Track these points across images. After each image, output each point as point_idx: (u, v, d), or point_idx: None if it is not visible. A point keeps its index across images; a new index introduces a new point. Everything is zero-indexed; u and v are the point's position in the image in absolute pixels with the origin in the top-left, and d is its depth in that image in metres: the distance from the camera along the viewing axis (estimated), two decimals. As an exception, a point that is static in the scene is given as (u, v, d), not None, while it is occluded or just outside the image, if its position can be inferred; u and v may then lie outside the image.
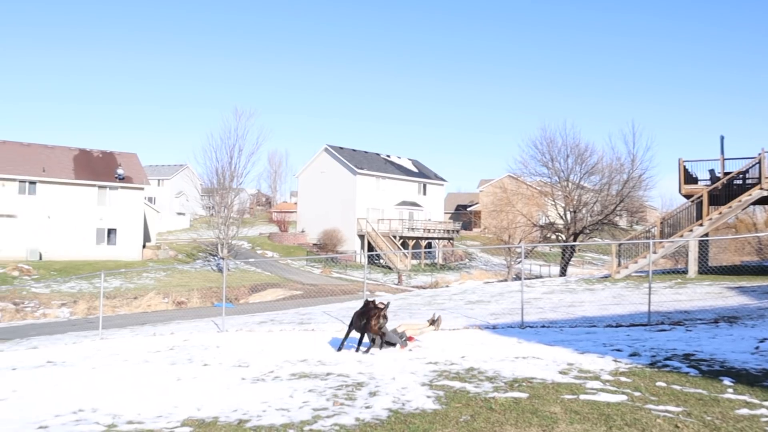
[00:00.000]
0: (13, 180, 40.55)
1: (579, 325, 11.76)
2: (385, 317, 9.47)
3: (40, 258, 40.49)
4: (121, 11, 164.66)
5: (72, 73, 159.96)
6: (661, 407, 5.47)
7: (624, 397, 5.83)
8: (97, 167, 44.94)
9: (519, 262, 42.87)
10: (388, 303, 9.85)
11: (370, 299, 9.89)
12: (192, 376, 8.11)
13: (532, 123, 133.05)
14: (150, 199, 63.93)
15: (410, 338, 10.22)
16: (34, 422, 5.80)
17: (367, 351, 9.37)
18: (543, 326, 11.82)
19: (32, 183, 41.30)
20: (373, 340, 9.68)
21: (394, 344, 9.77)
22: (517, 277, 40.05)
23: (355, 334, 9.84)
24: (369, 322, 9.44)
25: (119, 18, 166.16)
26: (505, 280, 38.87)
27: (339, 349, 9.68)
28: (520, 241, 41.74)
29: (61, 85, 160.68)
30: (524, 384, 6.56)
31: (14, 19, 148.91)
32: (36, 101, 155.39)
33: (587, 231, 40.58)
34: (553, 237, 42.60)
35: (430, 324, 10.83)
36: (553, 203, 42.15)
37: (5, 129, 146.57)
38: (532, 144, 42.73)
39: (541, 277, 39.44)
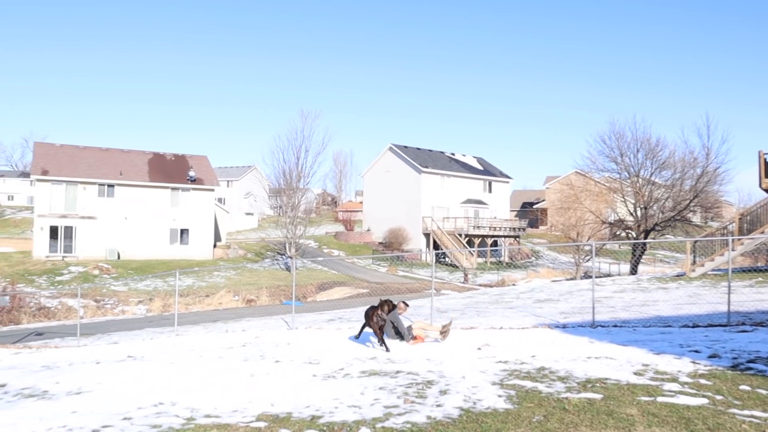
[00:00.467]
0: (93, 183, 42.52)
1: (653, 325, 11.41)
2: (382, 318, 10.03)
3: (118, 257, 42.29)
4: (188, 15, 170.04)
5: (149, 77, 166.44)
6: (746, 412, 5.24)
7: (705, 401, 5.62)
8: (170, 170, 46.52)
9: (588, 260, 41.88)
10: (394, 305, 10.27)
11: (384, 299, 10.34)
12: (264, 372, 8.30)
13: (600, 118, 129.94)
14: (220, 200, 65.70)
15: (416, 338, 10.35)
16: (118, 413, 6.09)
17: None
18: (615, 326, 11.53)
19: (110, 186, 43.18)
20: (398, 333, 10.20)
21: (402, 337, 10.17)
22: (586, 276, 39.13)
23: (390, 332, 10.41)
24: (373, 316, 10.14)
25: (186, 24, 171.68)
26: (574, 279, 38.05)
27: (387, 350, 9.72)
28: (588, 239, 40.75)
29: (136, 89, 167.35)
30: (598, 384, 6.42)
31: (93, 23, 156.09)
32: (114, 105, 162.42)
33: (659, 228, 39.24)
34: (623, 234, 41.39)
35: (441, 332, 10.51)
36: (623, 200, 40.99)
37: (86, 135, 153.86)
38: (600, 139, 41.59)
39: (610, 275, 38.38)
